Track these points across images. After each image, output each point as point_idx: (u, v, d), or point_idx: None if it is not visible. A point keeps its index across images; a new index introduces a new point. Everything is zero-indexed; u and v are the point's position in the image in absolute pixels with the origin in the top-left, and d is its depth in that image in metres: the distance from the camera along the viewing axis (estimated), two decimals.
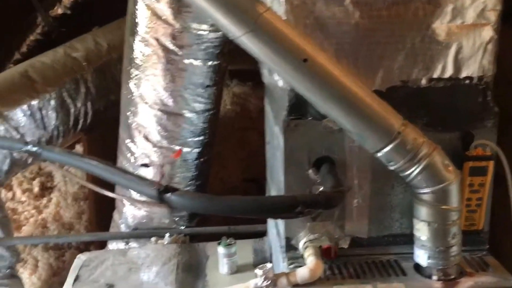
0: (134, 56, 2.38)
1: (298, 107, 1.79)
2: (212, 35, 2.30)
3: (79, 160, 1.80)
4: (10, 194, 3.60)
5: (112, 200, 2.74)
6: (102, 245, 2.92)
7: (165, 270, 2.33)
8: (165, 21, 2.24)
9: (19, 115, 2.61)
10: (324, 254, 1.84)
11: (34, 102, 2.67)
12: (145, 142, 2.49)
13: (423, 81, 1.78)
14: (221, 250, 2.32)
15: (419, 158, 1.64)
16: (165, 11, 2.21)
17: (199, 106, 2.44)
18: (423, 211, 1.71)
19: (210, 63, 2.37)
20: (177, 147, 2.50)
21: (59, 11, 5.58)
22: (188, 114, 2.44)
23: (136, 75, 2.41)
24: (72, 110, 2.86)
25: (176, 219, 2.67)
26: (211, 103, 2.49)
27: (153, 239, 2.60)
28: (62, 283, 2.34)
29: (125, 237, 2.68)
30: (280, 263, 1.96)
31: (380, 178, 1.86)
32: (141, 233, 2.65)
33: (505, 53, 1.84)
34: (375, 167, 1.82)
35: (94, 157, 1.75)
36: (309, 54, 1.58)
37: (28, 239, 3.35)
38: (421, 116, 1.81)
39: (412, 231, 1.79)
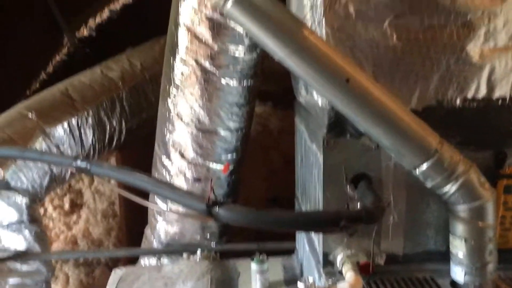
0: (174, 76, 2.48)
1: (337, 125, 1.86)
2: (248, 56, 2.39)
3: (129, 175, 1.86)
4: (42, 210, 3.69)
5: (140, 217, 2.81)
6: (130, 262, 2.98)
7: (199, 286, 2.39)
8: (205, 43, 2.33)
9: (60, 132, 2.72)
10: (361, 270, 1.87)
11: (74, 120, 2.78)
12: (180, 159, 2.57)
13: (458, 101, 1.84)
14: (254, 266, 2.36)
15: (456, 175, 1.69)
16: (205, 33, 2.31)
17: (233, 125, 2.52)
18: (460, 228, 1.75)
19: (245, 83, 2.46)
20: (211, 164, 2.57)
21: (85, 32, 5.80)
22: (222, 132, 2.52)
23: (174, 94, 2.51)
24: (108, 128, 2.96)
25: (207, 236, 2.73)
26: (244, 121, 2.57)
27: (185, 255, 2.66)
28: None
29: (158, 252, 2.75)
30: (317, 279, 2.00)
31: (415, 196, 1.91)
32: (173, 249, 2.71)
33: None
34: (410, 184, 1.87)
35: (144, 172, 1.82)
36: (350, 74, 1.65)
37: (64, 253, 3.42)
38: (455, 134, 1.86)
39: (447, 248, 1.83)
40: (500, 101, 1.85)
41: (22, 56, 5.98)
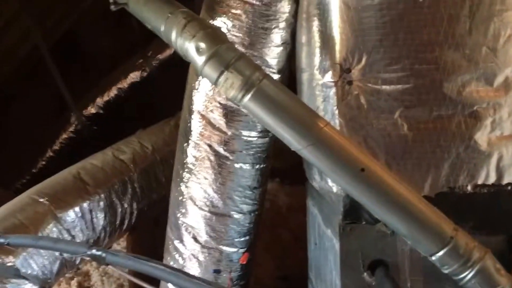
0: (187, 160, 2.53)
1: (353, 212, 1.89)
2: (260, 140, 2.46)
3: (145, 264, 1.87)
4: None
5: None
6: None
7: None
8: (218, 129, 2.41)
9: (72, 216, 2.74)
10: None
11: (85, 204, 2.81)
12: (193, 243, 2.57)
13: (469, 188, 1.89)
14: None
15: (472, 262, 1.71)
16: (219, 120, 2.39)
17: (246, 208, 2.55)
18: None
19: (257, 166, 2.51)
20: (224, 247, 2.57)
21: (93, 110, 5.95)
22: (236, 215, 2.55)
23: (187, 178, 2.55)
24: (119, 211, 2.99)
25: None
26: (257, 204, 2.60)
27: None
28: None
29: None
30: None
31: (432, 281, 1.91)
32: None
33: None
34: (427, 269, 1.88)
35: (160, 262, 1.82)
36: (365, 163, 1.71)
37: None
38: (468, 219, 1.90)
39: None
40: (509, 187, 1.90)
41: (29, 134, 6.11)
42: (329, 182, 1.97)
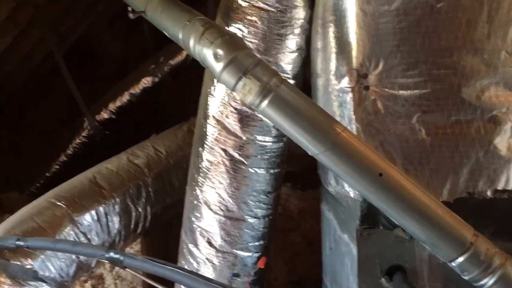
0: (202, 165, 2.54)
1: (370, 217, 1.89)
2: (275, 145, 2.47)
3: (163, 268, 1.88)
4: None
5: None
6: None
7: None
8: (234, 134, 2.42)
9: (88, 220, 2.75)
10: None
11: (101, 208, 2.83)
12: (208, 247, 2.58)
13: (488, 193, 1.88)
14: None
15: (492, 268, 1.70)
16: (234, 125, 2.40)
17: (261, 212, 2.56)
18: None
19: (272, 171, 2.51)
20: (238, 252, 2.58)
21: (105, 115, 6.00)
22: (250, 220, 2.55)
23: (202, 182, 2.56)
24: (133, 215, 3.00)
25: None
26: (271, 208, 2.61)
27: None
28: None
29: None
30: None
31: (452, 287, 1.90)
32: None
33: None
34: (446, 275, 1.88)
35: (177, 265, 1.83)
36: (383, 168, 1.71)
37: None
38: (488, 225, 1.89)
39: None
40: None
41: (43, 138, 6.17)
42: (346, 187, 1.97)
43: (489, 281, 1.70)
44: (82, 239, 2.70)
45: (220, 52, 1.82)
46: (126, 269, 2.00)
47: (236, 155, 2.45)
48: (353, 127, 1.88)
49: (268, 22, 2.23)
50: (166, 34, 2.11)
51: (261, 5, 2.20)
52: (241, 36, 2.24)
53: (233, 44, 1.85)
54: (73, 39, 5.78)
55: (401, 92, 1.89)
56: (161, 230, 3.43)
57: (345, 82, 1.96)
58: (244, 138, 2.43)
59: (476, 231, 1.73)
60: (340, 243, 2.18)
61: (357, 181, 1.73)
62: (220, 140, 2.47)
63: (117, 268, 3.54)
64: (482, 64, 1.87)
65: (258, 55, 2.18)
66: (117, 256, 2.00)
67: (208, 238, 2.59)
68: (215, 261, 2.60)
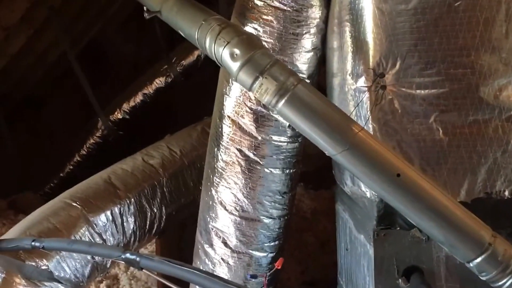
0: (217, 165, 2.55)
1: (387, 217, 1.88)
2: (290, 145, 2.46)
3: (179, 269, 1.88)
4: None
5: None
6: None
7: None
8: (249, 134, 2.42)
9: (103, 220, 2.77)
10: None
11: (116, 208, 2.84)
12: (223, 247, 2.58)
13: (506, 193, 1.86)
14: None
15: (511, 269, 1.68)
16: (249, 125, 2.40)
17: (276, 212, 2.55)
18: None
19: (287, 171, 2.51)
20: (254, 252, 2.58)
21: (119, 116, 6.04)
22: (266, 220, 2.55)
23: (217, 183, 2.56)
24: (148, 215, 3.01)
25: None
26: (287, 208, 2.60)
27: None
28: None
29: None
30: None
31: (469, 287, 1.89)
32: None
33: None
34: (463, 276, 1.86)
35: (194, 266, 1.83)
36: (401, 169, 1.70)
37: None
38: (505, 226, 1.87)
39: None
40: None
41: (57, 139, 6.22)
42: (363, 187, 1.97)
43: (507, 281, 1.68)
44: (97, 239, 2.71)
45: (236, 51, 1.82)
46: (143, 270, 2.01)
47: (251, 155, 2.46)
48: (370, 127, 1.87)
49: (284, 21, 2.24)
50: (181, 34, 2.11)
51: (277, 4, 2.20)
52: (257, 35, 2.24)
53: (250, 43, 1.85)
54: (86, 41, 5.83)
55: (418, 91, 1.88)
56: (176, 231, 3.44)
57: (362, 82, 1.95)
58: (259, 138, 2.43)
59: (494, 231, 1.72)
60: (356, 243, 2.17)
61: (375, 181, 1.72)
62: (236, 140, 2.47)
63: (132, 269, 3.56)
64: (500, 63, 1.85)
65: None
66: (133, 257, 2.00)
67: (223, 239, 2.59)
68: (231, 261, 2.60)
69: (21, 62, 5.17)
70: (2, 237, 2.56)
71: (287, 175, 2.52)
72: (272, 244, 2.61)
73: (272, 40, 2.26)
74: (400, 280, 1.87)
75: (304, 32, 2.26)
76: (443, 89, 1.86)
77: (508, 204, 1.87)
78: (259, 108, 2.38)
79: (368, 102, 1.92)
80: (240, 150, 2.47)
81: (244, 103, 2.41)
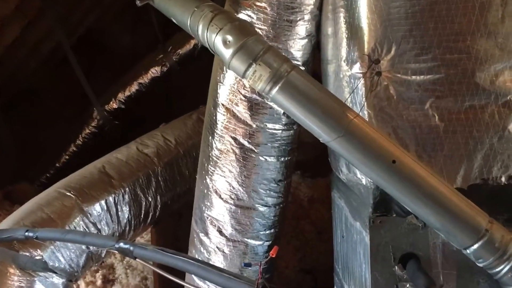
0: (212, 153, 2.53)
1: (383, 204, 1.87)
2: (285, 133, 2.44)
3: (173, 258, 1.87)
4: (74, 286, 3.66)
5: None
6: None
7: None
8: (243, 122, 2.40)
9: (98, 210, 2.76)
10: None
11: (111, 198, 2.83)
12: (219, 236, 2.57)
13: (503, 179, 1.85)
14: None
15: (508, 255, 1.67)
16: (244, 113, 2.38)
17: (271, 200, 2.54)
18: None
19: (282, 159, 2.49)
20: (249, 240, 2.57)
21: (114, 105, 6.01)
22: (261, 208, 2.54)
23: (212, 171, 2.55)
24: (143, 204, 3.00)
25: None
26: (282, 196, 2.59)
27: None
28: None
29: None
30: None
31: (465, 274, 1.88)
32: None
33: None
34: (459, 263, 1.85)
35: (188, 255, 1.82)
36: (397, 155, 1.68)
37: None
38: (502, 212, 1.86)
39: None
40: None
41: (53, 129, 6.19)
42: (358, 174, 1.95)
43: (505, 268, 1.68)
44: (92, 229, 2.70)
45: (229, 38, 1.79)
46: (136, 259, 2.00)
47: (246, 143, 2.44)
48: (365, 113, 1.85)
49: (278, 8, 2.20)
50: (174, 21, 2.08)
51: None
52: (250, 22, 2.21)
53: (243, 30, 1.82)
54: (81, 30, 5.77)
55: (413, 77, 1.86)
56: (171, 220, 3.43)
57: (357, 68, 1.92)
58: (254, 126, 2.41)
59: (491, 217, 1.71)
60: (352, 231, 2.16)
61: (370, 168, 1.70)
62: (230, 128, 2.45)
63: (127, 258, 3.54)
64: (496, 48, 1.83)
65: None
66: (127, 246, 2.00)
67: (218, 227, 2.58)
68: (226, 250, 2.59)
69: (16, 53, 5.12)
70: None
71: (282, 163, 2.50)
72: (267, 232, 2.60)
73: (266, 27, 2.23)
74: (396, 267, 1.86)
75: (298, 18, 2.23)
76: (438, 75, 1.84)
77: (505, 190, 1.86)
78: (254, 95, 2.36)
79: (363, 88, 1.89)
80: (234, 138, 2.45)
81: (238, 90, 2.38)
